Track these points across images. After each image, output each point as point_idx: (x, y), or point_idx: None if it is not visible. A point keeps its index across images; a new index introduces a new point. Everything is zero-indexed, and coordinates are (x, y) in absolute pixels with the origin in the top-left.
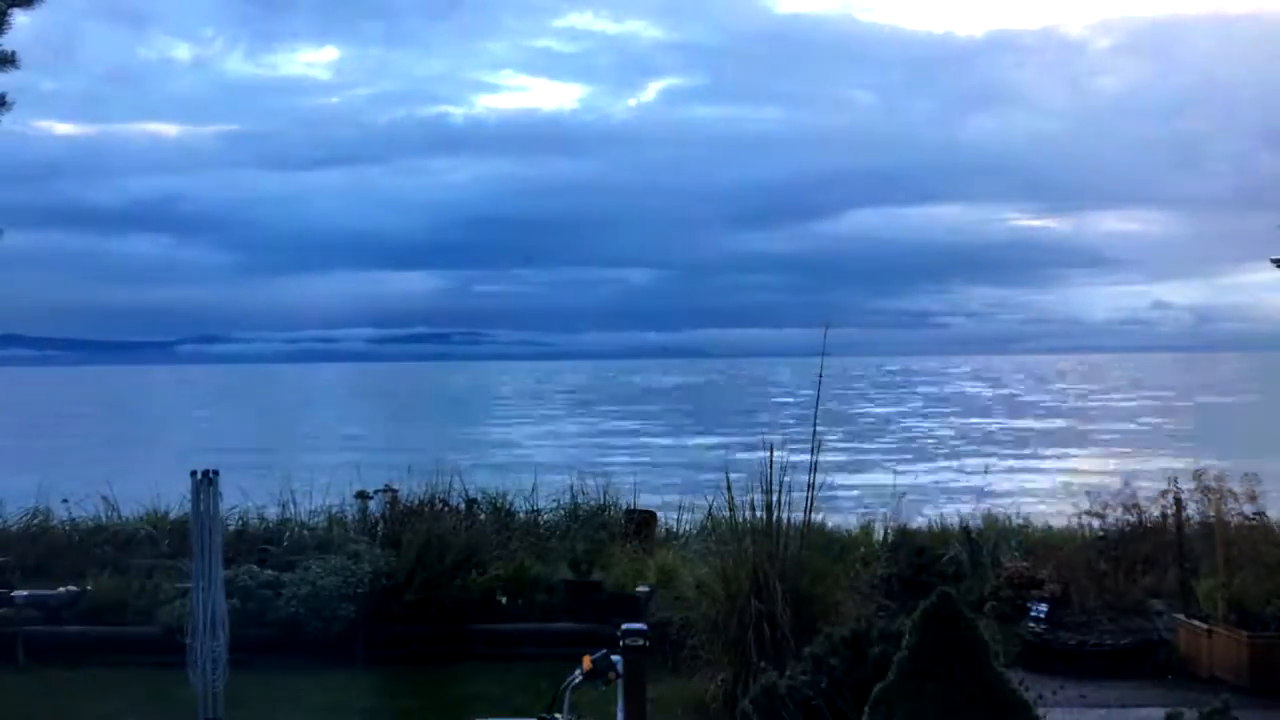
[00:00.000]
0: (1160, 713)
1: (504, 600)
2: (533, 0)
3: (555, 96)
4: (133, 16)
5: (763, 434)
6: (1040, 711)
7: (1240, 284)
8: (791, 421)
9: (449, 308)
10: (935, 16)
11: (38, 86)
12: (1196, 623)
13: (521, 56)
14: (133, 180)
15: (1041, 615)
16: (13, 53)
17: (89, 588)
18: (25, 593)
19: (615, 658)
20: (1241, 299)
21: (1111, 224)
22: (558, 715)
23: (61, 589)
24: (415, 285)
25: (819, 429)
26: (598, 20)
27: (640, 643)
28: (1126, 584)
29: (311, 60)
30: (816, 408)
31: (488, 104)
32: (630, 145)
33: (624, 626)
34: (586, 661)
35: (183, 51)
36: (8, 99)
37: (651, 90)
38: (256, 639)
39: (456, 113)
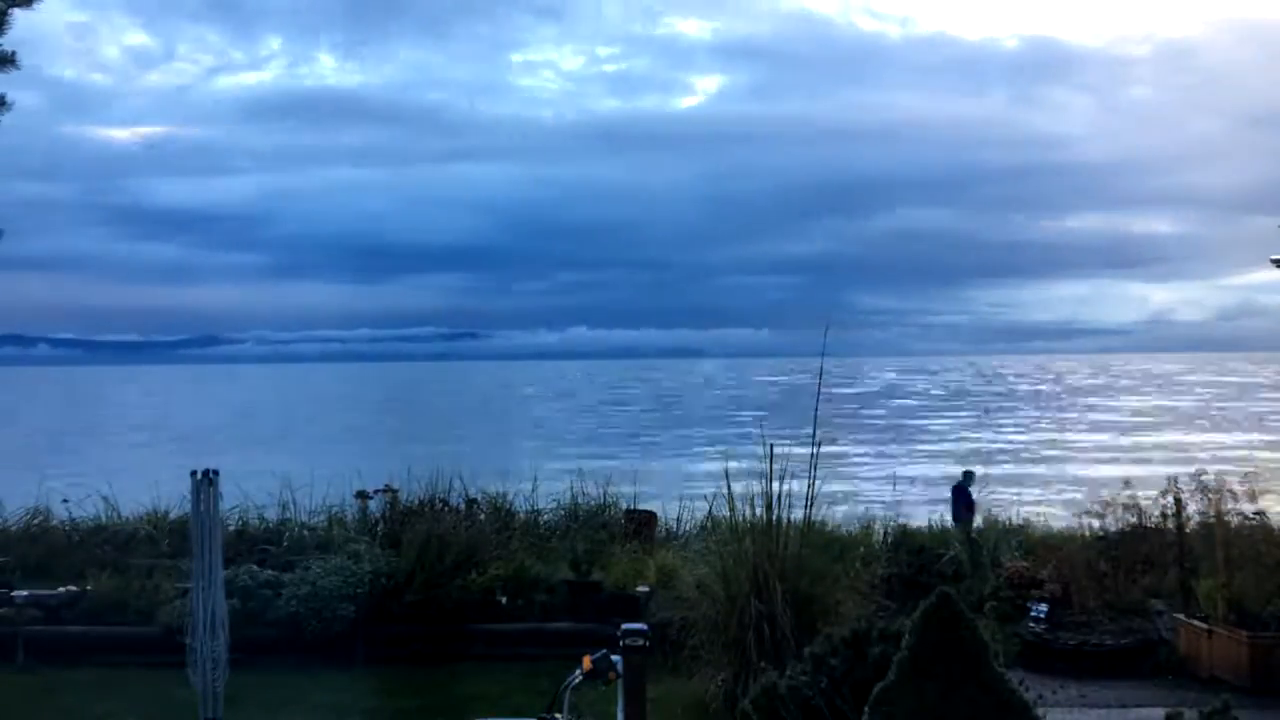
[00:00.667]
0: (1160, 713)
1: (504, 600)
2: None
3: (605, 98)
4: (238, 19)
5: (764, 435)
6: (1040, 711)
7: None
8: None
9: (464, 308)
10: (975, 23)
11: (114, 90)
12: (1196, 623)
13: (572, 61)
14: (185, 183)
15: (1041, 615)
16: (13, 53)
17: (89, 588)
18: (25, 593)
19: (615, 658)
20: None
21: (1137, 225)
22: (558, 715)
23: (61, 589)
24: (441, 286)
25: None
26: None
27: (640, 643)
28: (1126, 584)
29: (385, 63)
30: (816, 407)
31: (535, 107)
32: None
33: (624, 626)
34: (586, 661)
35: (278, 53)
36: (7, 99)
37: (699, 94)
38: (256, 639)
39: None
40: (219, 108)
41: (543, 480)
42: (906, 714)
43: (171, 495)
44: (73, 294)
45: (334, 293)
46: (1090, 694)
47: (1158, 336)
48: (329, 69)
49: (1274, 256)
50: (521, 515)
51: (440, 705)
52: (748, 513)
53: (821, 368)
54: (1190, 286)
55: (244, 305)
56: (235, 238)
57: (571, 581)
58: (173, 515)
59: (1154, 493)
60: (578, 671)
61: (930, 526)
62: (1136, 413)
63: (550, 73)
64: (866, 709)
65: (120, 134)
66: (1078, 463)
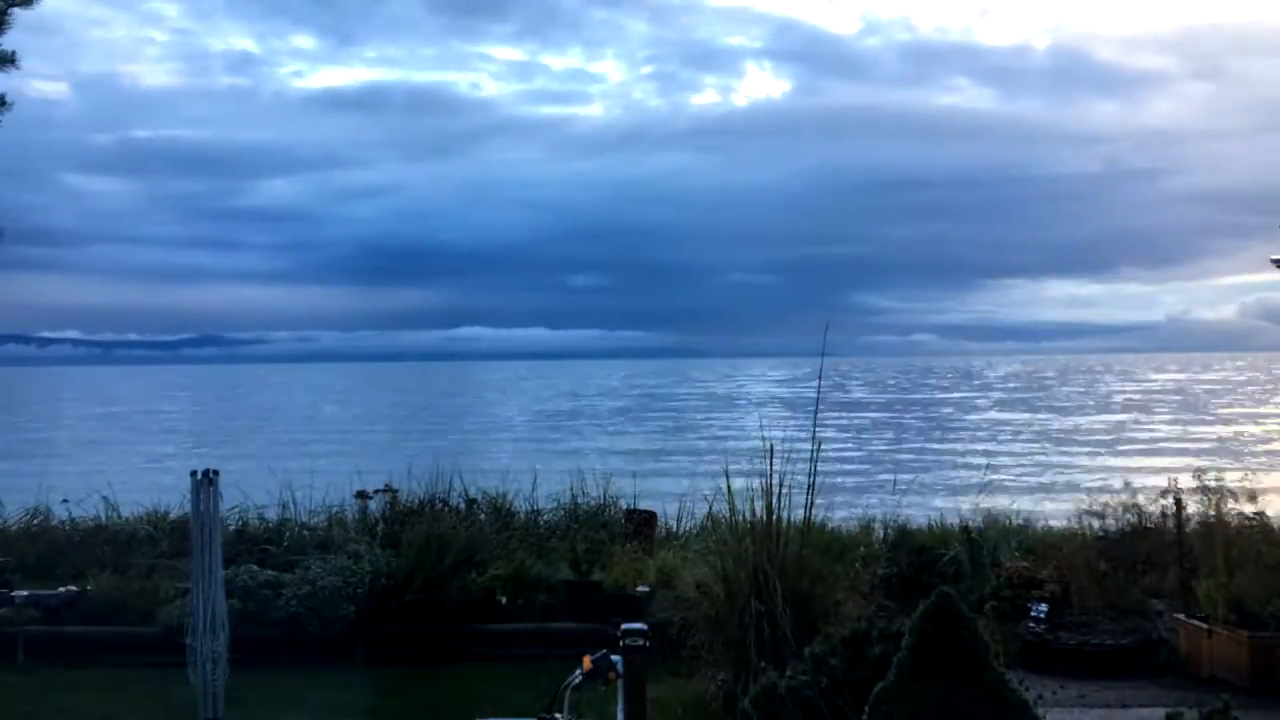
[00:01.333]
0: (1160, 713)
1: (504, 600)
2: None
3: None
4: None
5: (764, 434)
6: (1040, 711)
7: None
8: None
9: (472, 308)
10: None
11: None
12: (1196, 623)
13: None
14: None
15: (1041, 615)
16: (13, 52)
17: (89, 588)
18: (25, 593)
19: (615, 658)
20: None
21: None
22: (558, 715)
23: (61, 589)
24: (459, 287)
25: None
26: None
27: (640, 643)
28: (1126, 584)
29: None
30: (817, 407)
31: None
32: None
33: (624, 626)
34: (586, 661)
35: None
36: (7, 99)
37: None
38: (257, 639)
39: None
40: (297, 108)
41: (541, 480)
42: (906, 714)
43: (172, 495)
44: (84, 293)
45: (343, 294)
46: (1090, 694)
47: (1174, 335)
48: (411, 68)
49: (1274, 257)
50: (521, 515)
51: (440, 705)
52: (748, 513)
53: (821, 368)
54: (1207, 286)
55: (247, 306)
56: (259, 240)
57: (571, 581)
58: (173, 515)
59: (1154, 493)
60: (578, 671)
61: (930, 526)
62: (1140, 412)
63: (605, 76)
64: (866, 709)
65: (189, 134)
66: (1080, 461)
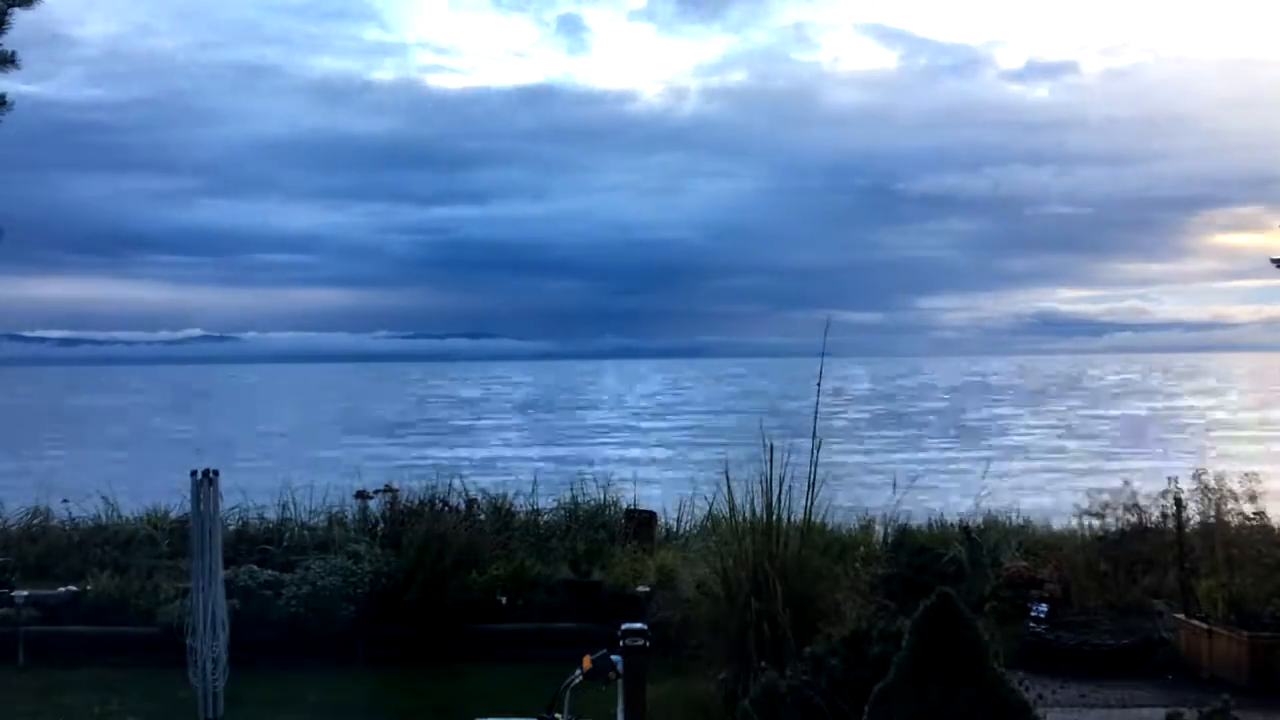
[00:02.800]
0: (1160, 713)
1: (504, 600)
2: None
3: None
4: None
5: (765, 432)
6: (1040, 711)
7: None
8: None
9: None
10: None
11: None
12: (1196, 623)
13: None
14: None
15: (1041, 615)
16: (13, 53)
17: (89, 588)
18: (25, 593)
19: (615, 658)
20: None
21: None
22: (558, 715)
23: (61, 589)
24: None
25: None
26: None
27: (640, 643)
28: (1126, 584)
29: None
30: (817, 407)
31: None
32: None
33: (624, 626)
34: (586, 661)
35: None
36: (8, 99)
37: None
38: (257, 639)
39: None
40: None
41: (542, 480)
42: (906, 714)
43: (172, 495)
44: (81, 292)
45: (356, 295)
46: (1090, 694)
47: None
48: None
49: (1274, 257)
50: (521, 515)
51: (440, 705)
52: (748, 512)
53: (821, 368)
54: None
55: (249, 305)
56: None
57: (571, 581)
58: (173, 515)
59: (1154, 492)
60: (578, 671)
61: (930, 526)
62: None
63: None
64: (866, 709)
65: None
66: (1082, 460)
